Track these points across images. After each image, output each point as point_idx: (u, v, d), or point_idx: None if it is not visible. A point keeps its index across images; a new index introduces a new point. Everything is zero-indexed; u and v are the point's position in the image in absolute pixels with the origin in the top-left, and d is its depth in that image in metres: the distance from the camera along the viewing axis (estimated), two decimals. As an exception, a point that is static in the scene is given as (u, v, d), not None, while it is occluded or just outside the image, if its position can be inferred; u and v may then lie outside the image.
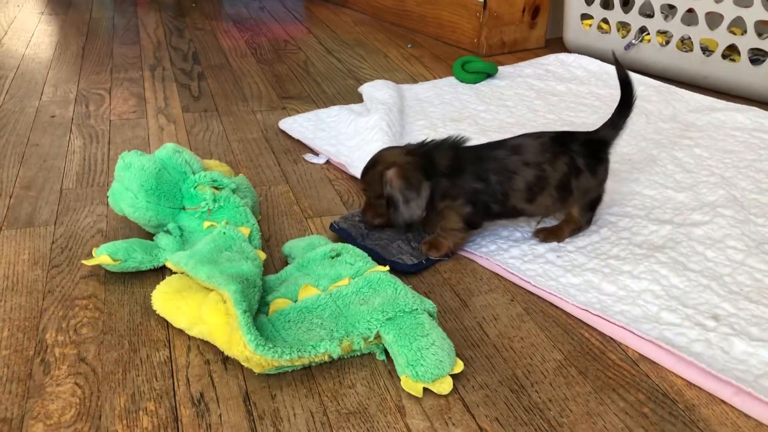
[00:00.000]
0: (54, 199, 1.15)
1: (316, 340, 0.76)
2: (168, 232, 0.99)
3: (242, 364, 0.77)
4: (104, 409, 0.72)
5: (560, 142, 0.98)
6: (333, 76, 1.80)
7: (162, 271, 0.95)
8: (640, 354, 0.82)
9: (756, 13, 1.58)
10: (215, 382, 0.76)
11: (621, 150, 1.33)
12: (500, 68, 1.79)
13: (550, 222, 1.07)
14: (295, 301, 0.84)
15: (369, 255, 0.92)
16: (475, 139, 1.02)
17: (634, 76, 1.69)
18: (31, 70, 1.80)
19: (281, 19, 2.40)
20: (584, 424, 0.72)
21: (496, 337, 0.85)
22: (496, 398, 0.75)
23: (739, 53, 1.65)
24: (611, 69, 1.77)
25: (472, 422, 0.72)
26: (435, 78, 1.78)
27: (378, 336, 0.78)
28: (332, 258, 0.91)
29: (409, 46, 2.08)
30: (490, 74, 1.73)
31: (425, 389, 0.75)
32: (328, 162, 1.30)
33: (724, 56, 1.67)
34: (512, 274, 0.96)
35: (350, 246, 0.93)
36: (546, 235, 1.03)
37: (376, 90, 1.52)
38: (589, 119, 1.49)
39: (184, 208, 1.01)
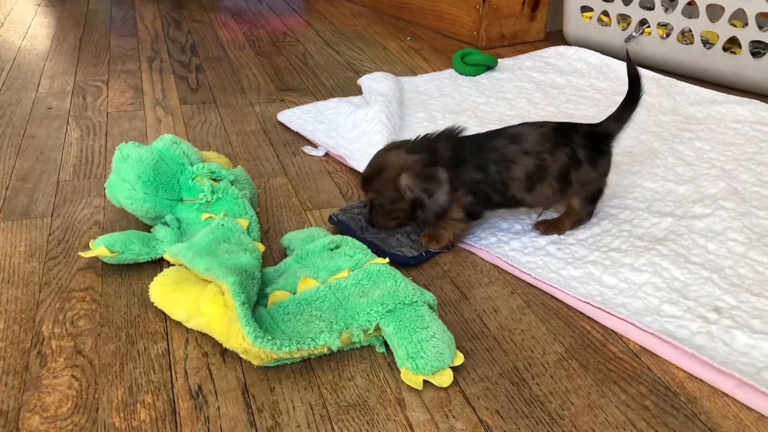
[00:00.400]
0: (51, 191, 1.14)
1: (316, 333, 0.76)
2: (166, 223, 0.98)
3: (241, 356, 0.76)
4: (101, 401, 0.72)
5: (562, 132, 0.97)
6: (332, 69, 1.79)
7: (160, 263, 0.94)
8: (641, 346, 0.81)
9: (757, 5, 1.57)
10: (213, 374, 0.76)
11: (622, 142, 1.32)
12: (500, 61, 1.78)
13: (550, 214, 1.07)
14: (294, 293, 0.83)
15: (368, 248, 0.91)
16: (475, 131, 1.01)
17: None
18: (27, 61, 1.79)
19: (280, 12, 2.38)
20: (585, 416, 0.71)
21: (497, 329, 0.84)
22: (496, 391, 0.74)
23: (739, 46, 1.64)
24: (611, 61, 1.76)
25: (472, 415, 0.71)
26: (434, 70, 1.77)
27: (378, 328, 0.78)
28: (331, 250, 0.90)
29: (408, 38, 2.07)
30: (489, 67, 1.73)
31: (425, 382, 0.74)
32: (326, 154, 1.29)
33: (724, 49, 1.67)
34: (512, 266, 0.95)
35: (349, 238, 0.92)
36: (547, 228, 1.02)
37: (375, 82, 1.51)
38: (589, 112, 1.49)
39: (181, 200, 1.00)
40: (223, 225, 0.92)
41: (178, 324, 0.83)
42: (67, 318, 0.84)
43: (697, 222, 1.04)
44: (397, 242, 0.98)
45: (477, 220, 1.00)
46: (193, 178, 1.00)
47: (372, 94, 1.45)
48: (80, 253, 0.93)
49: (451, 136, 0.97)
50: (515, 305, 0.89)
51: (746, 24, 1.61)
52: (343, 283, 0.83)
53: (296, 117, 1.42)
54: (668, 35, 1.77)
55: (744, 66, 1.64)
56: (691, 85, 1.63)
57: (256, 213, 1.04)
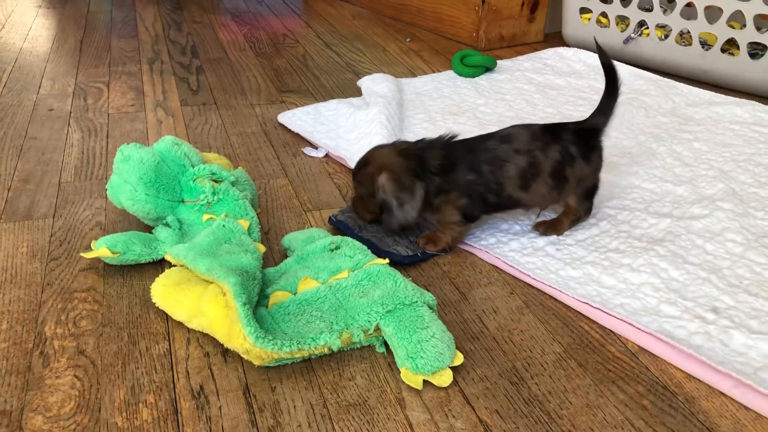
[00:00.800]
0: (52, 192, 1.14)
1: (316, 333, 0.76)
2: (167, 224, 0.99)
3: (242, 356, 0.77)
4: (104, 401, 0.72)
5: (551, 132, 0.98)
6: (332, 70, 1.79)
7: (161, 264, 0.95)
8: (639, 346, 0.82)
9: (755, 7, 1.58)
10: (215, 374, 0.76)
11: (620, 143, 1.33)
12: (499, 62, 1.79)
13: (549, 215, 1.07)
14: (295, 294, 0.83)
15: (366, 246, 0.92)
16: (474, 133, 1.02)
17: (633, 70, 1.70)
18: (29, 63, 1.80)
19: (280, 13, 2.39)
20: (584, 416, 0.72)
21: (496, 329, 0.85)
22: (496, 390, 0.75)
23: (738, 47, 1.65)
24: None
25: (472, 414, 0.72)
26: (434, 72, 1.78)
27: (378, 328, 0.78)
28: (332, 251, 0.91)
29: (407, 40, 2.07)
30: (488, 68, 1.73)
31: (425, 381, 0.75)
32: (327, 155, 1.30)
33: (723, 50, 1.67)
34: (512, 266, 0.95)
35: (350, 239, 0.93)
36: (546, 228, 1.03)
37: (375, 83, 1.52)
38: (588, 113, 1.48)
39: (183, 201, 1.01)
40: (224, 226, 0.93)
41: (180, 324, 0.83)
42: (70, 318, 0.84)
43: (695, 223, 1.05)
44: (393, 241, 0.99)
45: (474, 223, 1.00)
46: (194, 180, 1.01)
47: (372, 95, 1.46)
48: (82, 254, 0.93)
49: (445, 143, 0.97)
50: (514, 305, 0.89)
51: (744, 25, 1.62)
52: (343, 283, 0.83)
53: (296, 118, 1.43)
54: (667, 36, 1.78)
55: (742, 67, 1.64)
56: (690, 87, 1.63)
57: (257, 214, 1.05)
